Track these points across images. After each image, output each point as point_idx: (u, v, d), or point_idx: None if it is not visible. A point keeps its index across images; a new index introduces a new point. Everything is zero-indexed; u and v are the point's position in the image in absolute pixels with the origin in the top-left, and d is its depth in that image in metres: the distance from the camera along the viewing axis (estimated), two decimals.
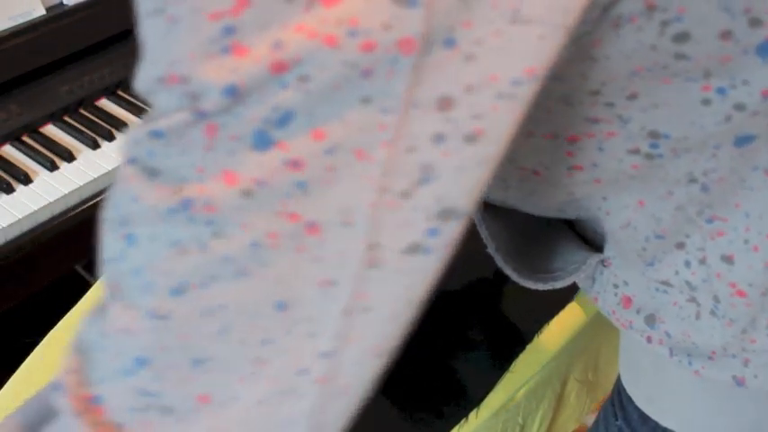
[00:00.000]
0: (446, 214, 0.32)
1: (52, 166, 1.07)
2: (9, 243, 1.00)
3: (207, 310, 0.33)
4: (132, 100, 1.19)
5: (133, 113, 1.17)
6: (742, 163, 0.44)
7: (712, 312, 0.49)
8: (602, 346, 0.87)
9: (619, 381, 0.67)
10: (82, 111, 1.16)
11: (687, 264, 0.49)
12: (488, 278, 0.83)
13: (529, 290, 0.60)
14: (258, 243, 0.31)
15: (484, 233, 0.61)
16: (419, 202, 0.31)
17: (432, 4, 0.28)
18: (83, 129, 1.13)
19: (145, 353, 0.34)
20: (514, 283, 0.60)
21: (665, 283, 0.51)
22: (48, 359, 0.73)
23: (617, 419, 0.68)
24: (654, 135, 0.42)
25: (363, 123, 0.30)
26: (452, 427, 0.69)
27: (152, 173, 0.32)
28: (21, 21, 1.10)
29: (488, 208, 0.60)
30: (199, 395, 0.34)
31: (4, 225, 0.99)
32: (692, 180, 0.45)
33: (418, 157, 0.30)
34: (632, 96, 0.40)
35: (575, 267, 0.57)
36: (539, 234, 0.60)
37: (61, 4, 1.15)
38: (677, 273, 0.50)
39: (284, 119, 0.30)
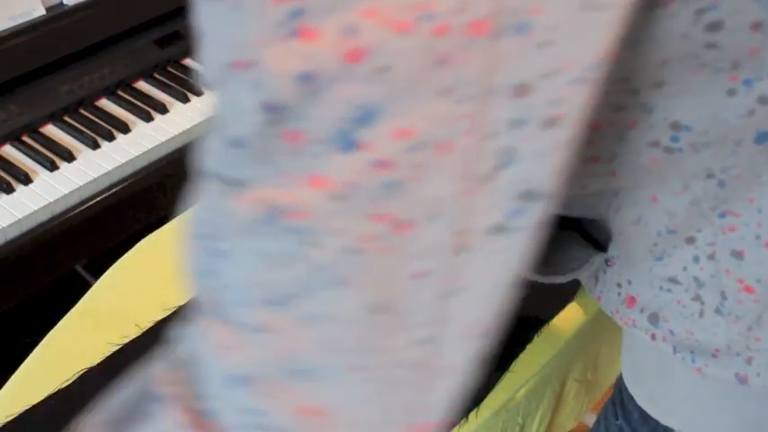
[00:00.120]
0: (527, 196, 0.32)
1: (52, 166, 1.07)
2: (9, 243, 1.00)
3: (304, 320, 0.32)
4: (132, 100, 1.19)
5: (133, 113, 1.17)
6: (761, 160, 0.44)
7: (717, 310, 0.50)
8: (601, 347, 0.87)
9: (620, 380, 0.67)
10: (82, 111, 1.16)
11: (696, 259, 0.49)
12: None
13: (529, 290, 0.60)
14: (351, 248, 0.31)
15: None
16: (500, 185, 0.31)
17: None
18: (83, 129, 1.13)
19: (245, 369, 0.34)
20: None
21: (672, 279, 0.51)
22: (48, 359, 0.74)
23: (617, 419, 0.68)
24: (675, 127, 0.42)
25: (444, 115, 0.29)
26: (452, 428, 0.69)
27: (235, 184, 0.31)
28: (21, 21, 1.10)
29: None
30: (306, 408, 0.34)
31: (4, 225, 0.99)
32: (710, 175, 0.45)
33: (498, 142, 0.30)
34: (659, 85, 0.40)
35: (578, 265, 0.57)
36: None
37: (61, 4, 1.15)
38: (685, 268, 0.50)
39: (366, 116, 0.29)
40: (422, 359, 0.34)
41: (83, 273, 1.34)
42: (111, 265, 0.83)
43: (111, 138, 1.12)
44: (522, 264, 0.35)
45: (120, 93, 1.20)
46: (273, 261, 0.32)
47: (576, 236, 0.59)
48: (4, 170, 1.06)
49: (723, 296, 0.49)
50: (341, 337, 0.33)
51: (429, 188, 0.31)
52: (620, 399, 0.67)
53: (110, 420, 0.38)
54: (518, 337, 0.80)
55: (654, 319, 0.53)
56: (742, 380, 0.51)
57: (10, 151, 1.09)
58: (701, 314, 0.50)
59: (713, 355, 0.52)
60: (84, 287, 0.81)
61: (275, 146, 0.30)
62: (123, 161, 1.09)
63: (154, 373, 0.38)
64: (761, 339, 0.49)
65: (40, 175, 1.06)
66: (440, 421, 0.36)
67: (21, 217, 1.00)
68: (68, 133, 1.13)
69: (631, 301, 0.54)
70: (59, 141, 1.11)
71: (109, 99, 1.19)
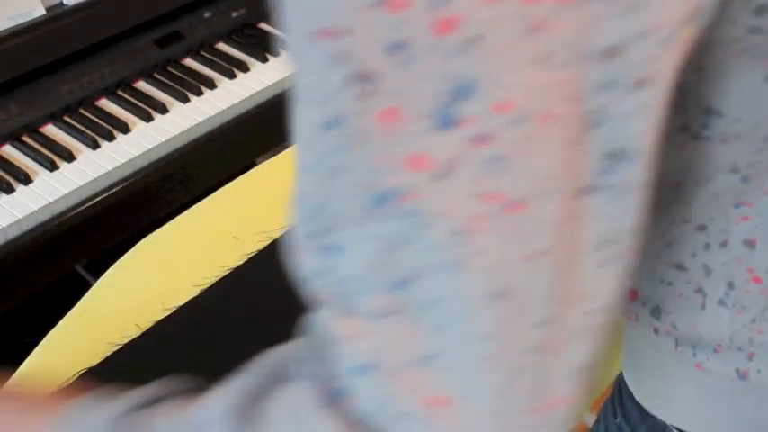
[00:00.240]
0: (616, 155, 0.32)
1: (52, 166, 1.07)
2: (9, 243, 1.00)
3: (423, 305, 0.32)
4: (132, 100, 1.19)
5: (133, 113, 1.17)
6: None
7: (720, 302, 0.49)
8: None
9: (619, 378, 0.67)
10: (82, 111, 1.16)
11: (707, 246, 0.49)
12: None
13: None
14: (461, 230, 0.30)
15: None
16: (590, 146, 0.31)
17: None
18: (83, 129, 1.13)
19: (371, 357, 0.33)
20: None
21: (679, 266, 0.50)
22: (48, 359, 0.74)
23: (616, 417, 0.68)
24: (708, 111, 0.42)
25: (541, 84, 0.29)
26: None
27: (336, 171, 0.31)
28: (21, 21, 1.10)
29: None
30: (432, 397, 0.33)
31: (4, 225, 0.99)
32: (735, 170, 0.44)
33: (589, 104, 0.30)
34: (699, 69, 0.40)
35: None
36: None
37: (61, 4, 1.15)
38: (694, 255, 0.50)
39: (462, 90, 0.28)
40: (545, 341, 0.33)
41: (83, 273, 1.34)
42: (111, 265, 0.83)
43: (111, 138, 1.12)
44: (629, 225, 0.34)
45: (120, 93, 1.20)
46: (387, 247, 0.31)
47: None
48: (4, 170, 1.06)
49: (730, 286, 0.49)
50: (462, 322, 0.32)
51: (535, 162, 0.30)
52: (618, 397, 0.67)
53: (238, 403, 0.38)
54: None
55: (656, 312, 0.53)
56: (742, 375, 0.51)
57: (10, 151, 1.09)
58: (703, 306, 0.50)
59: (715, 350, 0.52)
60: (84, 287, 0.81)
61: (371, 126, 0.29)
62: (123, 161, 1.09)
63: (283, 355, 0.39)
64: (763, 332, 0.49)
65: (40, 175, 1.06)
66: (569, 395, 0.35)
67: (21, 217, 1.00)
68: (68, 133, 1.13)
69: (633, 294, 0.55)
70: (59, 141, 1.11)
71: (109, 99, 1.19)
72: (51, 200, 1.03)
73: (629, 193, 0.33)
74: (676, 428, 0.60)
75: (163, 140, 1.13)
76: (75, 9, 1.15)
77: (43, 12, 1.13)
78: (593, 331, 0.35)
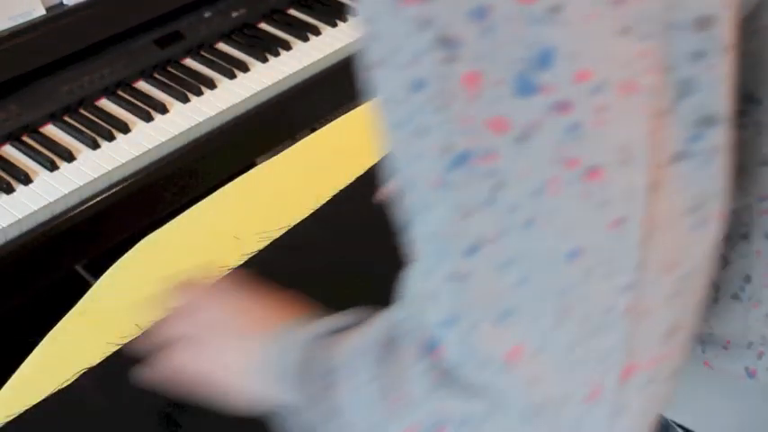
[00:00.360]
0: (706, 121, 0.33)
1: (52, 166, 1.07)
2: (9, 243, 1.00)
3: (502, 263, 0.33)
4: (132, 100, 1.19)
5: (133, 113, 1.17)
6: None
7: (734, 296, 0.49)
8: None
9: None
10: (82, 111, 1.16)
11: (727, 238, 0.49)
12: None
13: None
14: (540, 191, 0.32)
15: None
16: (680, 114, 0.32)
17: None
18: (83, 129, 1.13)
19: (451, 315, 0.35)
20: None
21: None
22: (48, 359, 0.73)
23: None
24: (747, 99, 0.42)
25: (626, 55, 0.30)
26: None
27: (417, 133, 0.33)
28: (21, 21, 1.10)
29: None
30: (510, 349, 0.35)
31: (4, 225, 0.99)
32: (764, 163, 0.44)
33: (678, 74, 0.31)
34: (743, 55, 0.40)
35: None
36: None
37: (61, 4, 1.15)
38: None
39: (544, 59, 0.30)
40: (633, 305, 0.34)
41: (83, 273, 1.33)
42: (111, 265, 0.83)
43: (111, 138, 1.12)
44: (718, 188, 0.35)
45: (120, 93, 1.20)
46: (467, 208, 0.33)
47: None
48: (4, 170, 1.06)
49: (747, 279, 0.49)
50: (541, 278, 0.33)
51: (616, 131, 0.31)
52: None
53: (372, 347, 0.42)
54: None
55: None
56: (751, 374, 0.51)
57: (10, 151, 1.09)
58: (716, 300, 0.50)
59: (724, 347, 0.52)
60: (84, 287, 0.81)
61: (453, 89, 0.31)
62: (123, 161, 1.09)
63: (389, 316, 0.42)
64: None
65: (40, 175, 1.06)
66: (651, 360, 0.36)
67: (21, 217, 1.00)
68: (68, 133, 1.13)
69: None
70: (59, 141, 1.11)
71: (109, 99, 1.19)
72: (51, 200, 1.03)
73: (716, 156, 0.34)
74: (679, 425, 0.60)
75: (163, 140, 1.13)
76: (75, 9, 1.15)
77: (43, 12, 1.13)
78: (686, 294, 0.36)
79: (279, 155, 0.99)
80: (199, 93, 1.21)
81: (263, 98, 1.25)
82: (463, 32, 0.30)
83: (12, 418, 0.68)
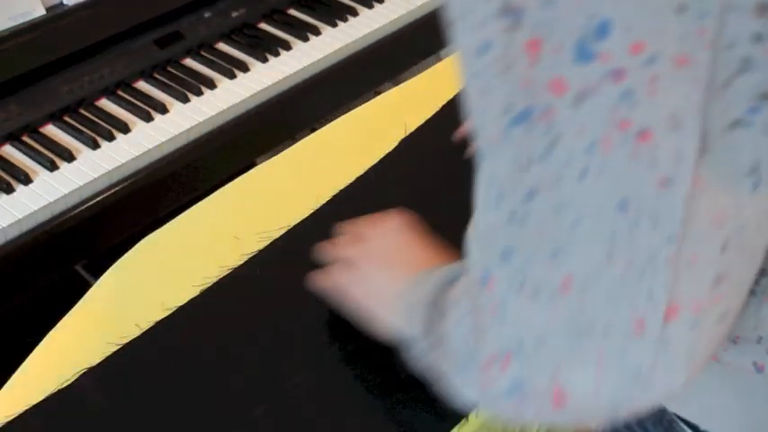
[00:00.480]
0: (766, 96, 0.35)
1: (52, 166, 1.07)
2: (9, 243, 1.00)
3: (557, 207, 0.38)
4: (132, 100, 1.19)
5: (133, 113, 1.17)
6: None
7: (750, 292, 0.49)
8: None
9: None
10: (82, 111, 1.16)
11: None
12: None
13: None
14: (593, 147, 0.35)
15: None
16: (739, 88, 0.35)
17: None
18: (83, 129, 1.13)
19: (507, 250, 0.40)
20: None
21: None
22: (48, 359, 0.73)
23: None
24: (763, 97, 0.42)
25: (682, 31, 0.32)
26: (452, 427, 0.69)
27: (484, 92, 0.37)
28: (21, 21, 1.10)
29: None
30: (562, 280, 0.39)
31: (4, 225, 0.99)
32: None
33: (737, 52, 0.33)
34: None
35: None
36: None
37: (61, 4, 1.15)
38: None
39: (601, 30, 0.33)
40: (672, 254, 0.37)
41: (83, 273, 1.34)
42: (111, 265, 0.83)
43: (111, 138, 1.12)
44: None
45: (120, 93, 1.20)
46: (522, 160, 0.37)
47: None
48: (4, 170, 1.06)
49: (763, 273, 0.49)
50: (592, 224, 0.37)
51: (668, 99, 0.34)
52: None
53: (435, 291, 0.53)
54: None
55: None
56: (759, 368, 0.51)
57: (10, 151, 1.09)
58: None
59: (733, 342, 0.52)
60: (84, 287, 0.81)
61: (516, 54, 0.34)
62: (123, 161, 1.09)
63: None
64: None
65: (40, 175, 1.06)
66: (697, 304, 0.39)
67: (21, 217, 1.00)
68: (68, 133, 1.13)
69: None
70: (59, 141, 1.11)
71: (109, 99, 1.19)
72: (51, 200, 1.03)
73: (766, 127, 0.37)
74: (684, 420, 0.60)
75: (163, 140, 1.13)
76: (75, 9, 1.15)
77: (43, 12, 1.13)
78: (737, 249, 0.39)
79: (279, 155, 0.99)
80: (199, 93, 1.21)
81: (263, 98, 1.25)
82: (526, 2, 0.33)
83: (12, 418, 0.68)
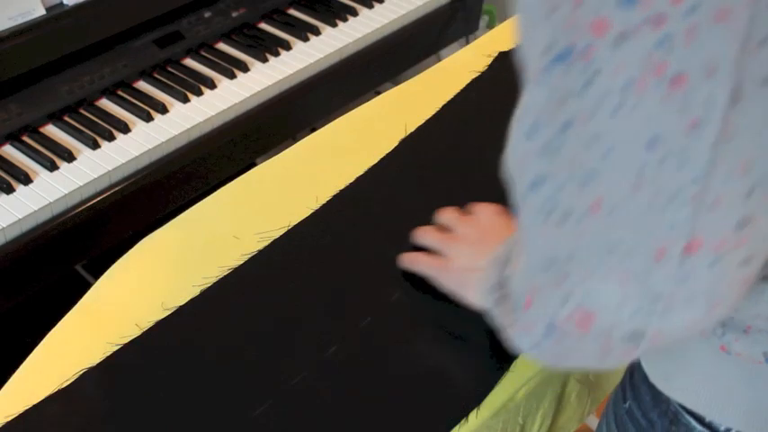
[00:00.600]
0: None
1: (52, 166, 1.07)
2: (9, 243, 1.00)
3: (590, 139, 0.40)
4: (132, 100, 1.19)
5: (133, 113, 1.17)
6: None
7: (765, 277, 0.49)
8: None
9: (630, 364, 0.67)
10: (82, 111, 1.16)
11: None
12: None
13: None
14: (628, 86, 0.38)
15: None
16: None
17: None
18: (83, 129, 1.13)
19: (539, 177, 0.42)
20: None
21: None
22: (48, 359, 0.73)
23: (625, 402, 0.67)
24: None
25: None
26: (452, 427, 0.69)
27: (533, 26, 0.40)
28: (21, 21, 1.10)
29: None
30: (591, 204, 0.41)
31: (4, 225, 0.99)
32: None
33: None
34: None
35: None
36: None
37: (61, 4, 1.15)
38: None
39: None
40: (696, 193, 0.39)
41: (83, 273, 1.34)
42: (111, 265, 0.83)
43: (111, 138, 1.12)
44: None
45: (120, 93, 1.20)
46: (563, 94, 0.40)
47: None
48: (4, 170, 1.06)
49: None
50: (622, 157, 0.40)
51: (705, 49, 0.36)
52: (630, 381, 0.67)
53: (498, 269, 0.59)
54: None
55: None
56: None
57: (10, 151, 1.09)
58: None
59: (744, 331, 0.52)
60: (84, 287, 0.81)
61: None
62: (123, 161, 1.09)
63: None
64: None
65: (40, 175, 1.06)
66: (719, 243, 0.41)
67: (21, 217, 1.00)
68: (68, 133, 1.13)
69: None
70: (59, 141, 1.11)
71: (109, 99, 1.19)
72: (51, 200, 1.03)
73: None
74: (688, 411, 0.60)
75: (163, 140, 1.13)
76: (75, 9, 1.15)
77: (43, 12, 1.13)
78: (764, 195, 0.40)
79: (279, 155, 0.98)
80: (199, 93, 1.21)
81: (263, 98, 1.25)
82: None
83: (12, 418, 0.68)
